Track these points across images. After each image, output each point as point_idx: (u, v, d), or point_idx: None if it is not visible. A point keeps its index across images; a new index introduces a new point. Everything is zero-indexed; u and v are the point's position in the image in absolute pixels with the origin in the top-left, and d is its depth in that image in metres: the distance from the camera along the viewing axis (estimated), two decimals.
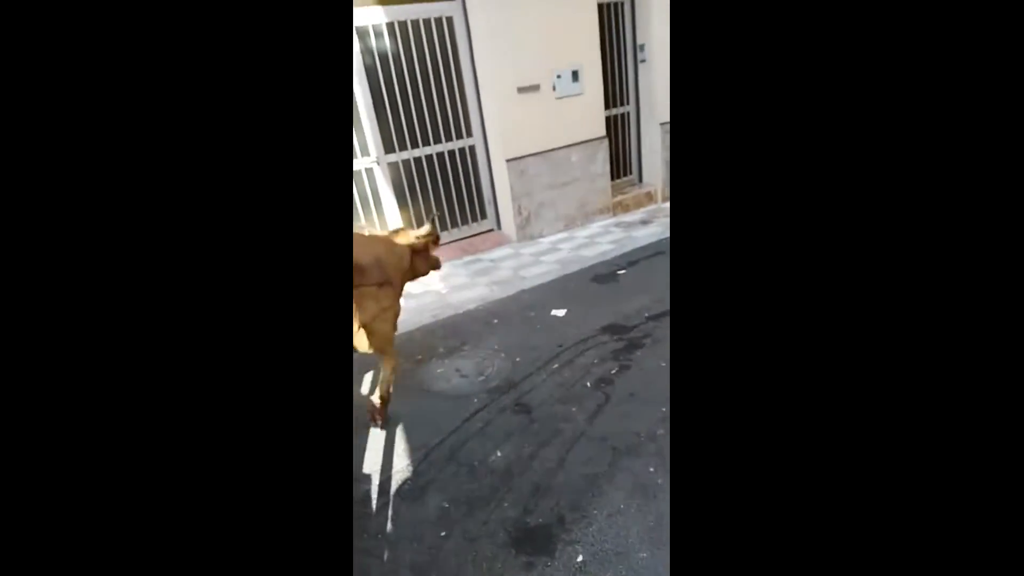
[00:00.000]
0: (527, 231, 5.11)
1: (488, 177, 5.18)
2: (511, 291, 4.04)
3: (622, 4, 5.35)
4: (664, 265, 4.15)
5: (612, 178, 5.62)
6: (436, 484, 2.19)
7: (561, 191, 5.16)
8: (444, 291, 4.20)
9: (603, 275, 4.13)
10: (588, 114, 5.10)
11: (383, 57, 4.45)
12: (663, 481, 2.04)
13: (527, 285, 4.11)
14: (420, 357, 3.24)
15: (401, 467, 2.32)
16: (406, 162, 4.80)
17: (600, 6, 5.06)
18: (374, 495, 2.19)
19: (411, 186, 4.89)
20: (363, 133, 4.55)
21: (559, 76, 4.80)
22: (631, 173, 6.04)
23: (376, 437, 2.55)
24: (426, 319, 3.75)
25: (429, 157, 4.89)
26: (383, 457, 2.41)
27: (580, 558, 1.78)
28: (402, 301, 2.91)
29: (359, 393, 2.71)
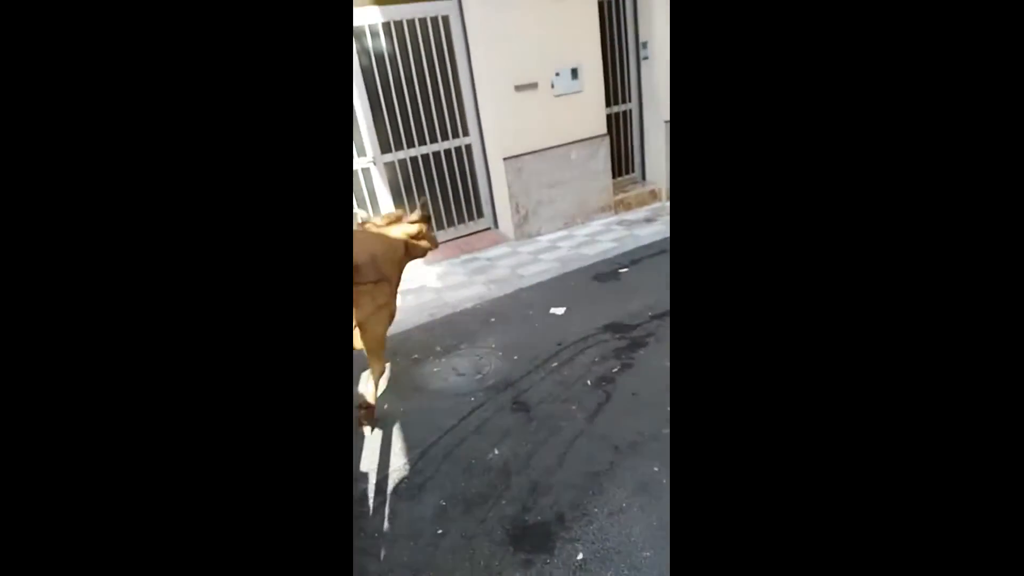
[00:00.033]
0: (524, 229, 5.07)
1: (485, 176, 5.15)
2: (509, 289, 3.99)
3: (624, 1, 5.33)
4: (668, 264, 4.10)
5: (614, 176, 5.57)
6: (433, 482, 2.14)
7: (560, 189, 5.12)
8: (441, 289, 4.16)
9: (604, 273, 4.08)
10: (588, 112, 5.06)
11: (379, 57, 4.43)
12: (667, 481, 1.99)
13: (525, 283, 4.06)
14: (417, 356, 3.19)
15: (398, 466, 2.28)
16: (402, 162, 4.77)
17: (601, 3, 5.04)
18: (371, 494, 2.14)
19: (408, 186, 4.86)
20: (359, 133, 4.52)
21: (558, 74, 4.77)
22: (634, 171, 6.00)
23: (373, 436, 2.51)
24: (423, 318, 3.70)
25: (425, 156, 4.86)
26: (380, 456, 2.36)
27: (580, 556, 1.73)
28: (399, 299, 2.88)
29: (357, 392, 2.67)
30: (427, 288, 4.25)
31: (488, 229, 5.36)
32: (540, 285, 4.02)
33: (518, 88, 4.63)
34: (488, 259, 4.71)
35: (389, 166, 4.72)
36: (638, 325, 3.19)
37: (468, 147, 5.03)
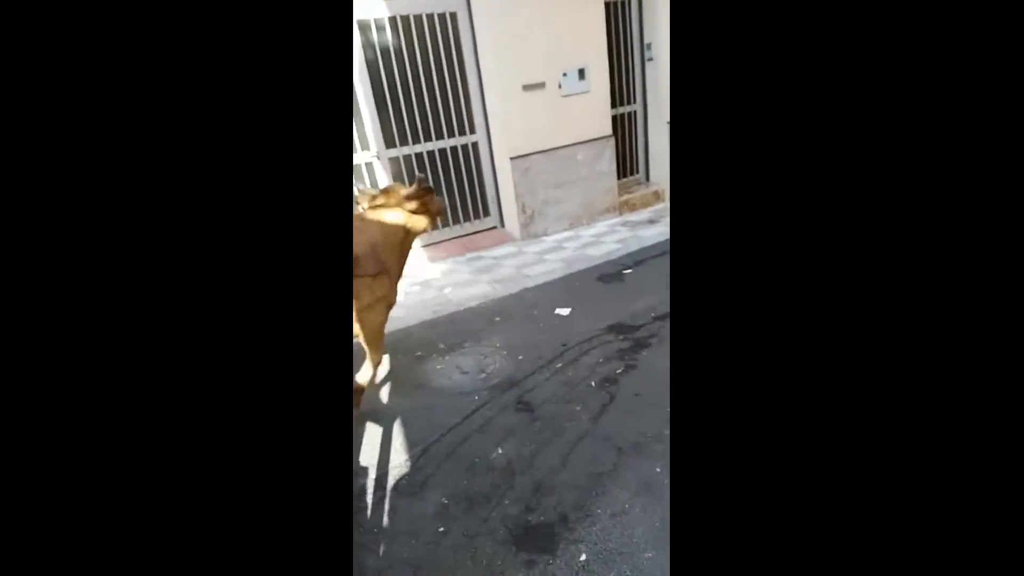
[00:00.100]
0: (531, 229, 5.05)
1: (491, 174, 5.14)
2: (514, 289, 3.98)
3: (629, 2, 5.31)
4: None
5: (618, 177, 5.56)
6: (435, 480, 2.13)
7: (566, 190, 5.10)
8: (445, 286, 4.15)
9: (609, 274, 4.07)
10: (594, 112, 5.04)
11: (385, 51, 4.42)
12: (669, 481, 1.97)
13: (530, 283, 4.05)
14: (420, 353, 3.18)
15: (399, 462, 2.26)
16: (407, 157, 4.76)
17: (607, 4, 5.02)
18: (370, 489, 2.13)
19: (411, 181, 4.83)
20: (363, 127, 4.51)
21: (565, 74, 4.76)
22: (638, 172, 5.98)
23: (373, 431, 2.50)
24: (427, 314, 3.69)
25: (431, 153, 4.84)
26: (380, 452, 2.35)
27: (583, 557, 1.71)
28: (401, 296, 2.86)
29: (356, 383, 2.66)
30: (431, 285, 4.24)
31: (494, 228, 5.35)
32: (545, 285, 4.01)
33: (526, 87, 4.62)
34: (494, 258, 4.70)
35: (393, 161, 4.71)
36: (641, 326, 3.18)
37: (475, 145, 5.01)
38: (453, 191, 5.07)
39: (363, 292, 2.42)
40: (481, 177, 5.15)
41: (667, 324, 3.15)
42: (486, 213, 5.31)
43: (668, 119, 5.48)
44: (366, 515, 2.00)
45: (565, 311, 3.52)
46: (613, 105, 5.32)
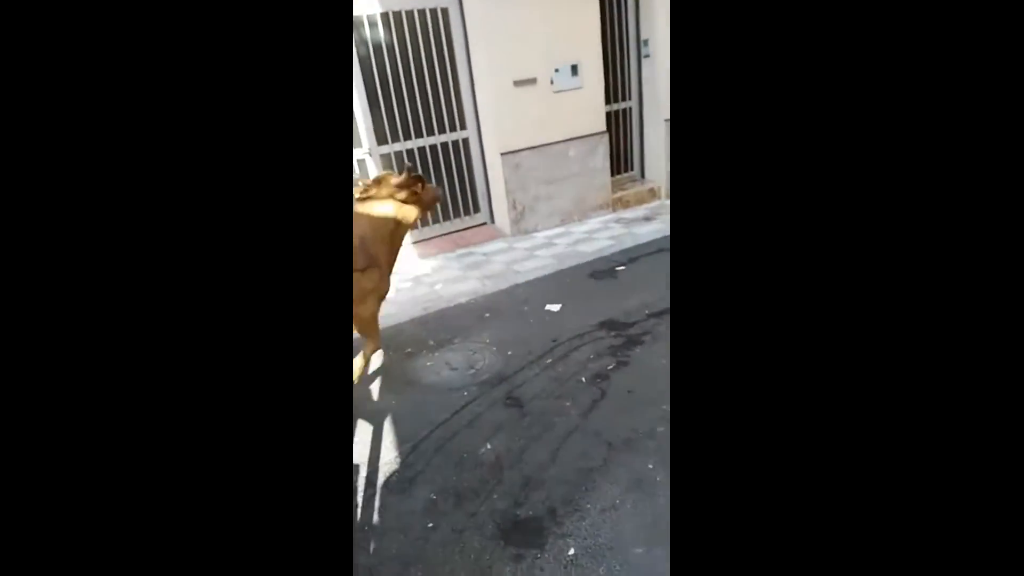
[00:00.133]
0: (521, 225, 5.04)
1: (482, 170, 5.12)
2: (504, 285, 3.96)
3: None
4: (667, 262, 4.08)
5: (613, 174, 5.55)
6: (424, 476, 2.12)
7: (557, 186, 5.09)
8: (435, 282, 4.13)
9: (601, 271, 4.05)
10: (587, 109, 5.03)
11: (377, 48, 4.39)
12: (662, 478, 1.97)
13: (521, 279, 4.03)
14: (410, 349, 3.16)
15: (389, 459, 2.25)
16: (399, 153, 4.73)
17: (602, 1, 5.01)
18: (361, 487, 2.12)
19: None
20: (356, 124, 4.48)
21: (557, 70, 4.74)
22: (633, 169, 5.97)
23: (364, 429, 2.48)
24: (417, 311, 3.67)
25: (422, 149, 4.82)
26: (371, 449, 2.33)
27: (571, 551, 1.71)
28: (392, 292, 2.84)
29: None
30: (422, 281, 4.22)
31: (484, 224, 5.33)
32: (536, 281, 3.99)
33: (517, 83, 4.60)
34: (484, 254, 4.68)
35: (385, 158, 4.68)
36: (635, 323, 3.17)
37: (465, 141, 4.99)
38: (444, 187, 5.04)
39: (353, 287, 2.41)
40: (472, 173, 5.13)
41: (662, 321, 3.14)
42: (476, 209, 5.29)
43: (665, 116, 5.48)
44: (357, 512, 1.99)
45: (555, 307, 3.51)
46: (608, 101, 5.30)
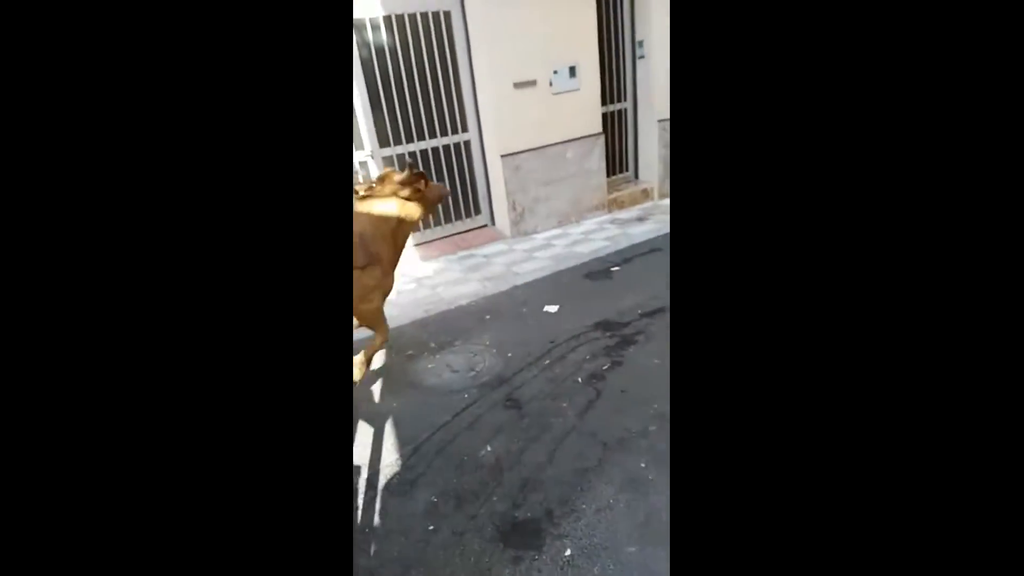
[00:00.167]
0: (521, 227, 5.09)
1: (483, 172, 5.16)
2: (504, 287, 4.02)
3: (621, 0, 5.33)
4: (659, 262, 4.14)
5: (608, 175, 5.60)
6: (425, 478, 2.18)
7: (556, 187, 5.14)
8: (436, 285, 4.18)
9: (597, 272, 4.12)
10: (584, 110, 5.07)
11: (379, 51, 4.42)
12: (654, 477, 2.03)
13: (520, 281, 4.09)
14: (411, 352, 3.22)
15: (390, 461, 2.31)
16: (401, 156, 4.77)
17: (598, 2, 5.04)
18: (362, 489, 2.17)
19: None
20: (358, 127, 4.52)
21: (556, 72, 4.78)
22: (627, 170, 6.02)
23: (365, 431, 2.54)
24: (418, 313, 3.73)
25: (424, 152, 4.86)
26: (372, 451, 2.39)
27: (568, 552, 1.77)
28: (393, 295, 2.90)
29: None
30: (423, 283, 4.28)
31: (485, 226, 5.38)
32: (534, 283, 4.05)
33: (517, 85, 4.64)
34: (484, 256, 4.74)
35: (387, 160, 4.73)
36: (628, 323, 3.23)
37: (467, 143, 5.04)
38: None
39: (353, 284, 2.48)
40: (473, 175, 5.17)
41: (654, 321, 3.21)
42: (477, 211, 5.34)
43: (659, 117, 5.51)
44: (357, 515, 2.05)
45: (553, 308, 3.57)
46: (603, 103, 5.34)
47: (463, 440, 2.39)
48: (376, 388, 2.91)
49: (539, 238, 5.04)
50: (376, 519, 2.01)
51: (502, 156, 4.78)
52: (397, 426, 2.55)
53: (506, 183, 4.87)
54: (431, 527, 1.93)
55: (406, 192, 2.76)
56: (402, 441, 2.43)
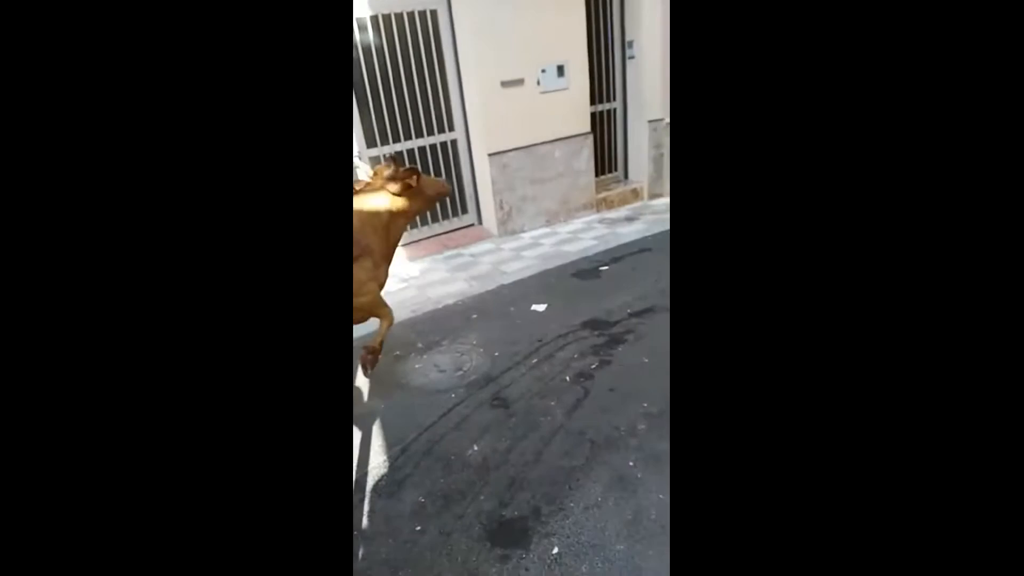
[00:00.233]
0: (508, 226, 5.09)
1: (470, 171, 5.15)
2: (491, 286, 4.01)
3: (610, 0, 5.35)
4: (649, 262, 4.15)
5: (597, 174, 5.60)
6: (412, 479, 2.16)
7: (544, 186, 5.14)
8: (423, 284, 4.16)
9: (585, 271, 4.12)
10: (573, 110, 5.08)
11: (366, 50, 4.40)
12: (643, 475, 2.03)
13: (507, 280, 4.09)
14: (398, 352, 3.20)
15: (377, 463, 2.29)
16: (388, 156, 4.74)
17: (588, 1, 5.04)
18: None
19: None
20: None
21: (544, 71, 4.78)
22: (616, 170, 6.03)
23: (353, 433, 2.51)
24: (405, 313, 3.71)
25: (411, 151, 4.84)
26: (359, 453, 2.37)
27: (555, 550, 1.76)
28: (382, 293, 2.88)
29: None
30: (410, 283, 4.25)
31: (472, 225, 5.37)
32: (522, 282, 4.05)
33: (504, 84, 4.63)
34: (471, 255, 4.72)
35: (374, 160, 4.70)
36: (617, 322, 3.24)
37: (454, 142, 5.02)
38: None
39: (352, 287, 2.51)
40: (460, 174, 5.15)
41: (643, 320, 3.21)
42: (464, 210, 5.32)
43: (649, 117, 5.52)
44: None
45: (541, 307, 3.56)
46: (592, 102, 5.34)
47: (450, 440, 2.37)
48: (363, 389, 2.89)
49: (527, 237, 5.03)
50: (364, 521, 1.99)
51: (489, 155, 4.77)
52: (384, 427, 2.53)
53: (493, 182, 4.86)
54: (418, 528, 1.92)
55: (395, 187, 2.78)
56: (389, 442, 2.41)
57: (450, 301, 3.84)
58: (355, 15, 4.26)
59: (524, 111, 4.78)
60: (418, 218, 4.94)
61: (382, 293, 2.88)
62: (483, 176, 4.98)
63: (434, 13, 4.56)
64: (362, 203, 2.76)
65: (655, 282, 3.73)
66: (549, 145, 5.03)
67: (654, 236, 4.69)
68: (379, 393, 2.82)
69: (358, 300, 2.65)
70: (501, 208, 4.99)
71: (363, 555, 1.84)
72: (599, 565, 1.70)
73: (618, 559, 1.71)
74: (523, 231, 5.16)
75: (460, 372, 2.92)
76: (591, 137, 5.28)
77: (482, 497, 2.02)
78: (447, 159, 5.04)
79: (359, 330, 3.20)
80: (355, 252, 2.59)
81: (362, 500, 2.09)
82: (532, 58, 4.70)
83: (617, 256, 4.33)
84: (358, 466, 2.28)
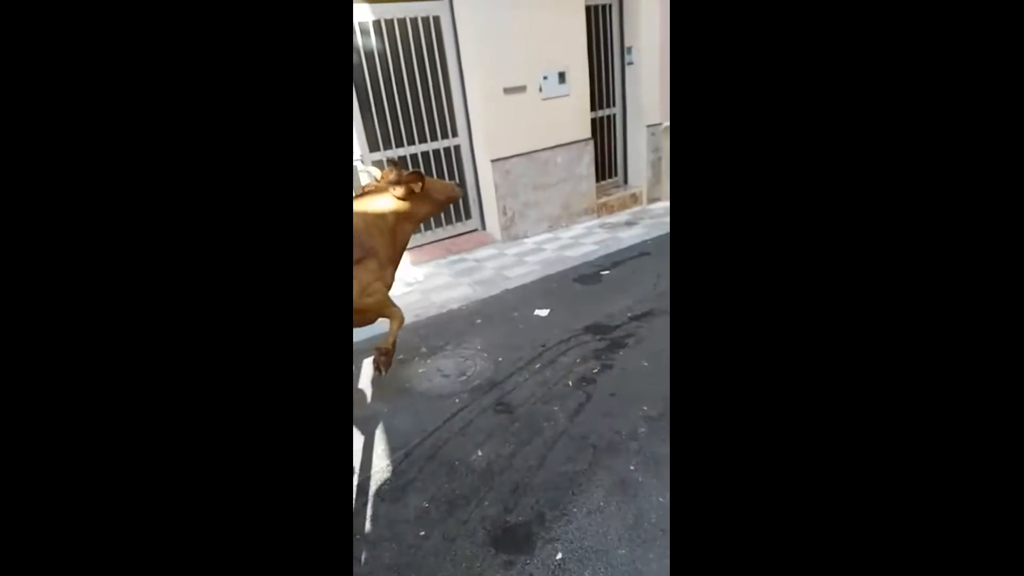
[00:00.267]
0: (511, 231, 5.11)
1: (473, 177, 5.18)
2: (494, 291, 4.03)
3: (610, 6, 5.38)
4: (648, 266, 4.18)
5: (597, 180, 5.64)
6: (416, 484, 2.18)
7: (546, 192, 5.17)
8: (427, 289, 4.18)
9: (587, 275, 4.14)
10: (574, 115, 5.12)
11: (369, 55, 4.43)
12: (643, 479, 2.05)
13: (510, 285, 4.11)
14: (402, 357, 3.22)
15: (381, 467, 2.31)
16: (391, 160, 4.77)
17: (588, 8, 5.08)
18: (353, 495, 2.17)
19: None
20: None
21: (545, 77, 4.82)
22: (616, 175, 6.07)
23: (356, 437, 2.53)
24: (409, 318, 3.72)
25: (414, 156, 4.87)
26: (363, 456, 2.39)
27: (559, 556, 1.78)
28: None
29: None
30: (414, 288, 4.28)
31: (475, 230, 5.39)
32: (525, 287, 4.07)
33: (507, 91, 4.67)
34: (475, 260, 4.75)
35: (377, 165, 4.73)
36: (618, 326, 3.26)
37: (457, 148, 5.05)
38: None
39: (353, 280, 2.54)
40: (463, 180, 5.19)
41: (643, 324, 3.23)
42: (468, 216, 5.35)
43: (648, 123, 5.56)
44: None
45: (544, 312, 3.58)
46: (592, 108, 5.39)
47: (454, 445, 2.39)
48: (367, 393, 2.91)
49: (529, 242, 5.06)
50: (367, 525, 2.00)
51: (492, 161, 4.80)
52: (388, 432, 2.55)
53: (496, 188, 4.89)
54: (422, 533, 1.93)
55: (399, 191, 2.81)
56: (393, 447, 2.43)
57: (454, 306, 3.86)
58: (358, 20, 4.29)
59: (526, 117, 4.82)
60: (422, 224, 4.97)
61: (387, 290, 2.90)
62: (486, 181, 5.01)
63: (437, 19, 4.60)
64: (367, 205, 2.79)
65: (654, 286, 3.76)
66: (551, 151, 5.06)
67: (653, 240, 4.72)
68: (383, 397, 2.84)
69: (365, 301, 2.67)
70: (504, 213, 5.02)
71: (366, 560, 1.85)
72: (602, 570, 1.71)
73: (620, 563, 1.72)
74: (526, 236, 5.19)
75: (464, 377, 2.94)
76: (592, 143, 5.31)
77: (486, 502, 2.04)
78: (450, 164, 5.07)
79: (368, 331, 3.23)
80: (360, 254, 2.62)
81: (365, 504, 2.11)
82: (534, 64, 4.74)
83: (617, 260, 4.35)
84: (361, 470, 2.30)
